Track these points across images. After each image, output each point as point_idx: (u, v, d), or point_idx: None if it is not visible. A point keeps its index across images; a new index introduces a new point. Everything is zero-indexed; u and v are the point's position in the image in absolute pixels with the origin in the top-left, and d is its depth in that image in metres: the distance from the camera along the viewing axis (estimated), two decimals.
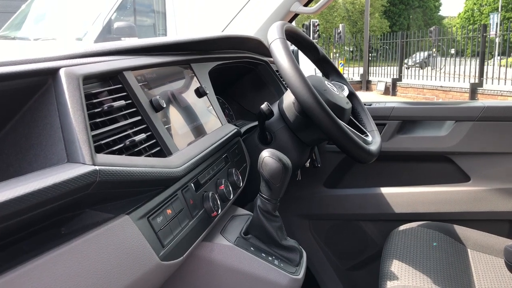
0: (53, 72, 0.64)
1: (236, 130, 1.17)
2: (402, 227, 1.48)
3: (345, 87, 1.44)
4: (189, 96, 1.06)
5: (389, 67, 14.59)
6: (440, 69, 13.08)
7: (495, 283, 1.22)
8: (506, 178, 1.62)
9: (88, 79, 0.69)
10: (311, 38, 1.42)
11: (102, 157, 0.62)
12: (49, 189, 0.51)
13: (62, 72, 0.64)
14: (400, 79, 13.94)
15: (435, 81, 12.79)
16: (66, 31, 5.22)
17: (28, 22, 5.51)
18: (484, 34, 11.16)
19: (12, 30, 5.34)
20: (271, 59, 1.17)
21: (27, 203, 0.49)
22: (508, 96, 10.00)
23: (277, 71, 1.63)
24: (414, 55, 15.28)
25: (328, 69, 1.48)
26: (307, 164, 1.50)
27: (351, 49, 19.79)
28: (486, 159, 1.64)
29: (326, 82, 1.29)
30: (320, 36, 16.95)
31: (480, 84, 11.08)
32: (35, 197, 0.49)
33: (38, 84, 0.63)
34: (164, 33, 6.38)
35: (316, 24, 15.67)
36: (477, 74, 11.22)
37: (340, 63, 16.20)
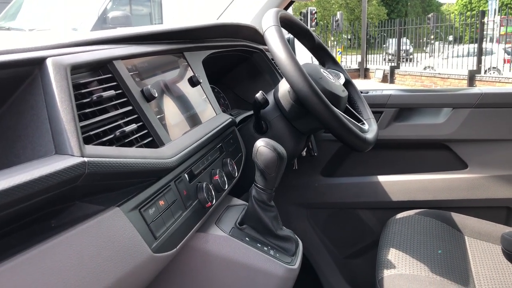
0: (39, 62, 0.62)
1: (231, 119, 1.16)
2: (399, 215, 1.47)
3: (341, 75, 1.42)
4: (182, 86, 1.04)
5: (387, 55, 14.56)
6: (438, 56, 13.04)
7: (492, 270, 1.22)
8: (504, 165, 1.62)
9: (76, 68, 0.68)
10: (309, 26, 1.41)
11: (91, 148, 0.61)
12: (35, 182, 0.50)
13: (49, 62, 0.62)
14: (398, 66, 13.90)
15: (433, 68, 12.76)
16: (62, 21, 5.19)
17: (23, 13, 5.48)
18: (482, 20, 11.11)
19: (7, 21, 5.30)
20: (267, 47, 1.16)
21: (13, 196, 0.48)
22: (506, 82, 9.99)
23: (273, 59, 1.62)
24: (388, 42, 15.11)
25: (324, 57, 1.46)
26: (304, 153, 1.49)
27: (349, 37, 19.71)
28: (484, 146, 1.63)
29: (322, 70, 1.27)
30: (318, 24, 16.87)
31: (478, 71, 11.06)
32: (21, 190, 0.48)
33: (25, 74, 0.61)
34: (161, 22, 6.35)
35: (313, 12, 15.58)
36: (475, 61, 11.19)
37: (338, 51, 16.13)
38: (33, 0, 5.70)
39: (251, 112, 1.40)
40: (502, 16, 12.05)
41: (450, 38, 13.08)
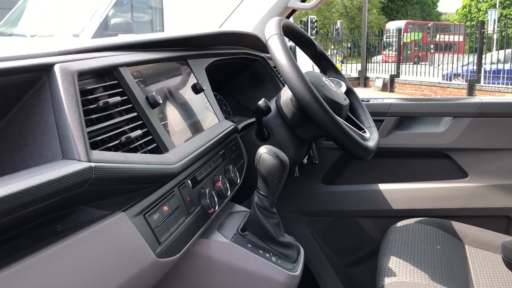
0: (47, 68, 0.63)
1: (233, 126, 1.17)
2: (399, 224, 1.47)
3: (342, 83, 1.43)
4: (186, 93, 1.05)
5: (387, 64, 14.61)
6: (438, 65, 13.08)
7: (492, 279, 1.22)
8: (504, 174, 1.62)
9: (83, 75, 0.69)
10: (309, 34, 1.42)
11: (97, 154, 0.61)
12: (43, 186, 0.51)
13: (56, 68, 0.63)
14: (398, 75, 13.93)
15: (433, 77, 12.80)
16: (63, 27, 5.20)
17: (25, 19, 5.49)
18: (482, 30, 11.16)
19: (9, 27, 5.32)
20: (269, 55, 1.16)
21: (21, 200, 0.48)
22: (505, 92, 10.02)
23: (275, 67, 1.63)
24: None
25: (326, 65, 1.47)
26: (305, 161, 1.50)
27: (349, 46, 19.78)
28: (484, 155, 1.64)
29: (323, 78, 1.28)
30: (318, 32, 16.92)
31: (478, 80, 11.09)
32: (29, 194, 0.49)
33: (33, 80, 0.62)
34: (162, 30, 6.36)
35: (314, 20, 15.64)
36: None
37: (338, 60, 16.18)
38: (34, 7, 5.72)
39: (253, 120, 1.41)
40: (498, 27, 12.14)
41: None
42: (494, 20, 14.22)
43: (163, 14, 6.46)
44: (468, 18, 33.63)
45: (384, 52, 17.77)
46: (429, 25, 15.16)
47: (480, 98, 1.69)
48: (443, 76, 12.76)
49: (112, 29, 5.11)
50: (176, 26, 5.99)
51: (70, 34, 5.04)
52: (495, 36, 13.19)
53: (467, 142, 1.64)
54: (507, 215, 1.63)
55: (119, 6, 5.73)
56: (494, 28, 12.99)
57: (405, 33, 16.62)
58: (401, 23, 22.19)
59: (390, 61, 15.87)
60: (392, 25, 20.59)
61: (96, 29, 5.12)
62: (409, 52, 15.79)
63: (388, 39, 18.68)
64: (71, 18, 5.38)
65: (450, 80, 12.53)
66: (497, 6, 28.46)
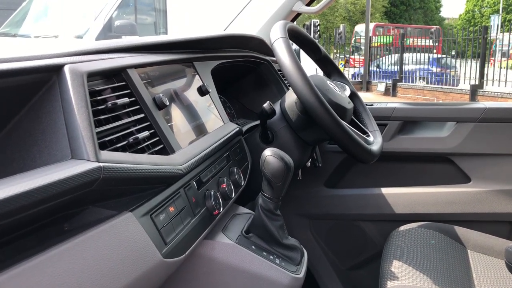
0: (57, 69, 0.64)
1: (238, 129, 1.17)
2: (402, 228, 1.48)
3: (347, 87, 1.44)
4: (192, 95, 1.06)
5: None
6: (441, 70, 13.09)
7: (495, 284, 1.22)
8: (507, 180, 1.62)
9: (92, 76, 0.69)
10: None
11: (106, 154, 0.62)
12: (53, 185, 0.51)
13: (66, 69, 0.64)
14: (400, 80, 13.93)
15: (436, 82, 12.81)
16: (67, 28, 5.23)
17: (29, 20, 5.52)
18: (485, 35, 11.16)
19: (13, 28, 5.34)
20: (273, 58, 1.17)
21: (32, 198, 0.49)
22: (508, 98, 10.01)
23: (279, 70, 1.63)
24: None
25: (330, 69, 1.48)
26: (308, 164, 1.50)
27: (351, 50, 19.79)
28: (487, 161, 1.64)
29: (328, 81, 1.29)
30: (320, 36, 16.93)
31: (481, 86, 11.08)
32: (40, 193, 0.50)
33: (43, 80, 0.63)
34: (165, 32, 6.39)
35: (316, 24, 15.63)
36: (477, 76, 11.21)
37: (341, 64, 16.19)
38: (38, 8, 5.75)
39: (257, 122, 1.42)
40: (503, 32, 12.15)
41: (453, 52, 13.15)
42: (498, 25, 14.22)
43: (166, 16, 6.48)
44: (471, 24, 33.65)
45: (353, 57, 17.62)
46: (432, 29, 15.17)
47: (483, 103, 1.70)
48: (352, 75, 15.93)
49: (116, 31, 5.14)
50: (179, 29, 6.01)
51: (73, 36, 5.06)
52: (498, 42, 13.17)
53: (470, 147, 1.64)
54: (510, 220, 1.63)
55: (123, 8, 5.75)
56: (497, 34, 12.98)
57: (373, 37, 16.61)
58: (369, 26, 22.21)
59: (357, 66, 15.81)
60: (361, 28, 20.42)
61: (100, 30, 5.13)
62: (378, 56, 15.73)
63: (357, 43, 18.47)
64: (74, 20, 5.40)
65: (355, 78, 15.55)
66: (501, 12, 28.47)
